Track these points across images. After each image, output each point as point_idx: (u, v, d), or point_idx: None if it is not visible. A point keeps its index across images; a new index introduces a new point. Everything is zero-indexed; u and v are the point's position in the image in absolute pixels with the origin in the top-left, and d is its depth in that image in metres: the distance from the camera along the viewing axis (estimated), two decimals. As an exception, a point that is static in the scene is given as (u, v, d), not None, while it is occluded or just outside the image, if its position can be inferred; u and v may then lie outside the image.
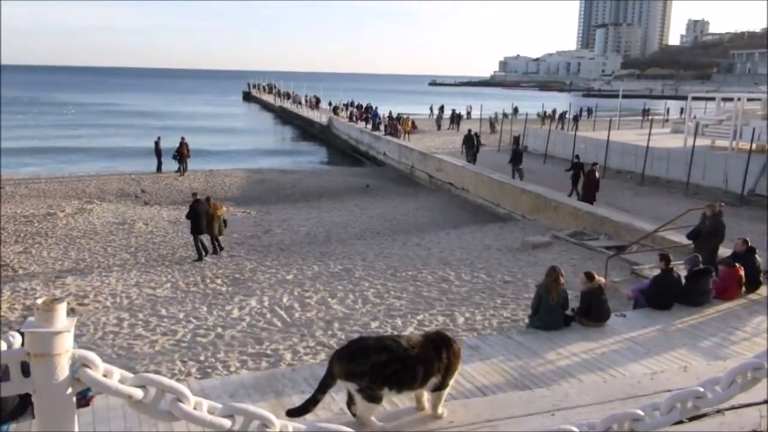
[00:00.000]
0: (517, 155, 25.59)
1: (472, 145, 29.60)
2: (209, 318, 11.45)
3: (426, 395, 2.99)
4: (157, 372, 8.74)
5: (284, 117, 68.89)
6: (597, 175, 20.62)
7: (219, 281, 14.03)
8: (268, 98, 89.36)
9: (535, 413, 2.55)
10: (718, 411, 2.18)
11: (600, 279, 9.62)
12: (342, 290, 13.01)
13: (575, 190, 21.71)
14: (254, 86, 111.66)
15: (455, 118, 49.91)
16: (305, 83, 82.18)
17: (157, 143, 31.00)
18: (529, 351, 8.01)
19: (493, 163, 27.66)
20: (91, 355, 2.18)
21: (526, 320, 9.72)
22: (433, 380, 2.77)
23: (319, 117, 55.15)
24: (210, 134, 49.46)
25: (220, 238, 16.81)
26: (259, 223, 20.95)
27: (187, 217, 16.42)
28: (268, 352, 9.79)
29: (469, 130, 31.91)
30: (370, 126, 41.71)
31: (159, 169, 30.76)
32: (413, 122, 43.78)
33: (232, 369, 9.11)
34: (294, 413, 3.03)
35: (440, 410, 2.93)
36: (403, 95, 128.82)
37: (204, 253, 16.14)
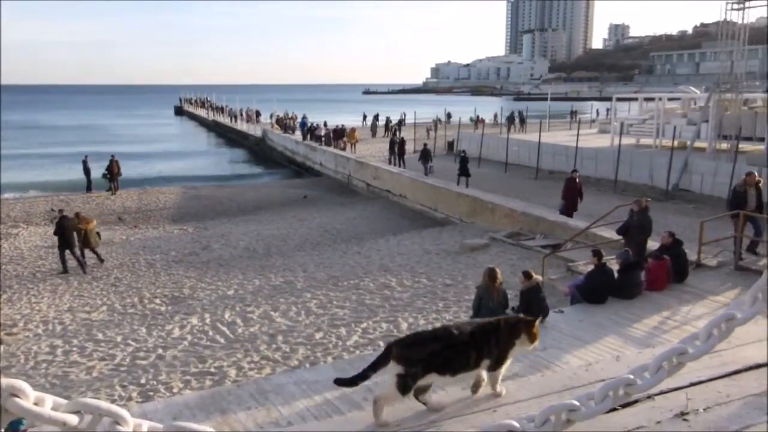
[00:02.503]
0: (425, 154, 27.15)
1: (394, 149, 30.77)
2: (149, 339, 11.15)
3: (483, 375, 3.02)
4: (96, 399, 8.47)
5: (218, 131, 68.04)
6: (578, 182, 18.50)
7: (158, 301, 13.69)
8: (201, 112, 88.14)
9: (478, 411, 2.60)
10: (649, 396, 2.28)
11: (537, 277, 9.85)
12: (284, 303, 12.90)
13: (465, 179, 23.49)
14: (186, 100, 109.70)
15: (390, 126, 50.25)
16: (238, 96, 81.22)
17: (84, 162, 30.06)
18: (473, 352, 8.11)
19: (421, 166, 28.09)
20: (20, 383, 2.09)
21: (468, 322, 9.86)
22: (486, 361, 2.87)
23: (254, 130, 54.56)
24: (143, 159, 47.25)
25: (98, 250, 17.58)
26: (197, 239, 20.55)
27: (55, 233, 16.95)
28: (212, 370, 9.61)
29: (393, 136, 32.98)
30: (308, 137, 41.42)
31: (89, 188, 29.83)
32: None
33: (175, 390, 8.89)
34: (342, 383, 3.11)
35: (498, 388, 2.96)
36: (338, 104, 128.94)
37: (81, 267, 16.60)
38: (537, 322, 3.14)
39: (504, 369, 2.96)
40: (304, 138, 41.11)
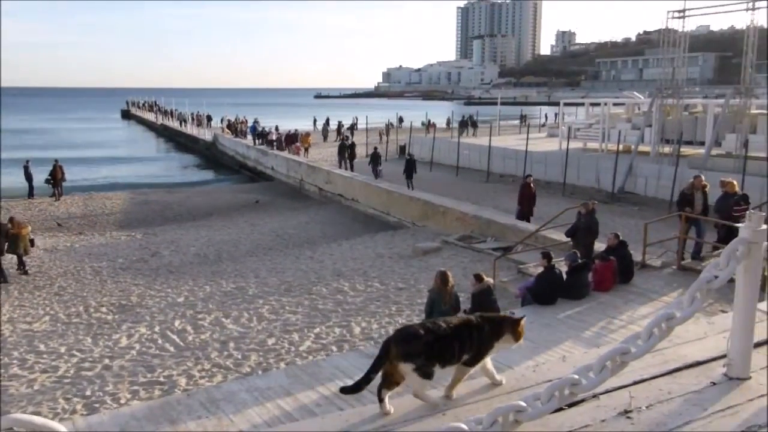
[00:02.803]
0: (375, 158, 27.28)
1: (344, 153, 30.71)
2: (95, 349, 10.84)
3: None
4: (37, 413, 8.18)
5: (167, 135, 66.91)
6: (533, 187, 18.26)
7: (104, 309, 13.34)
8: (149, 116, 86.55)
9: (427, 415, 2.62)
10: (594, 395, 2.33)
11: (488, 280, 9.98)
12: (236, 309, 12.74)
13: (410, 184, 24.27)
14: (133, 104, 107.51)
15: (342, 130, 50.20)
16: (188, 99, 79.93)
17: (26, 167, 29.09)
18: (425, 355, 8.16)
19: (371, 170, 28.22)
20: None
21: (421, 325, 9.90)
22: (466, 356, 2.99)
23: (204, 134, 53.83)
24: (89, 164, 45.57)
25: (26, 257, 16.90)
26: (146, 245, 20.12)
27: None
28: (161, 379, 9.41)
29: (343, 140, 33.66)
30: (258, 141, 40.97)
31: (30, 194, 28.87)
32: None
33: (123, 401, 8.66)
34: (347, 390, 3.15)
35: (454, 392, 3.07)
36: (290, 108, 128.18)
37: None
38: (523, 321, 3.23)
39: (473, 370, 3.05)
40: (255, 142, 40.78)
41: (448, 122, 56.90)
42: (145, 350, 10.68)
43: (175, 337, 11.24)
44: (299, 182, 31.40)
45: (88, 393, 9.00)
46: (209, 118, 60.87)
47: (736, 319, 2.63)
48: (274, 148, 37.50)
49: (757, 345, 2.80)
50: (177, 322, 12.03)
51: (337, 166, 30.67)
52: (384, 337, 10.71)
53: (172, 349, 10.69)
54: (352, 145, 31.72)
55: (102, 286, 15.35)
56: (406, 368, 2.85)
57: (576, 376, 2.15)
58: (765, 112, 23.78)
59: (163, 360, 10.18)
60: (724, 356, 2.67)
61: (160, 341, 11.08)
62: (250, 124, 47.15)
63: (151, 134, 74.52)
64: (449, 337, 2.96)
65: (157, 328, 11.75)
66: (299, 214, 25.18)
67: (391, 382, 3.07)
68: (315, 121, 59.45)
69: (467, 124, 48.92)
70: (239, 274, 15.91)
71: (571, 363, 2.90)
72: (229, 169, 42.94)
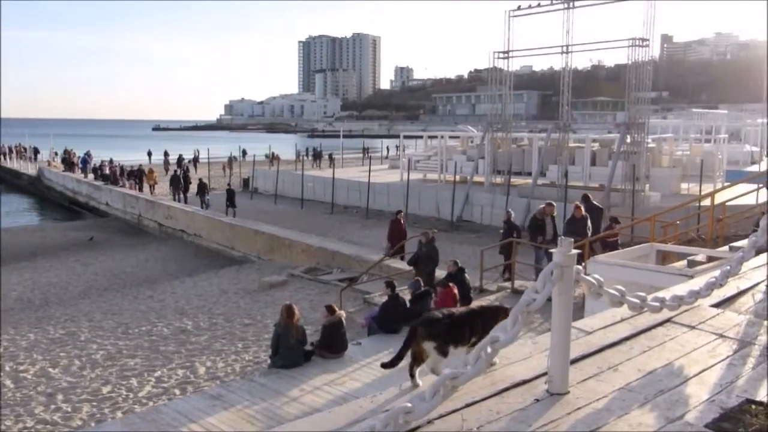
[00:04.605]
0: (201, 188, 27.69)
1: (178, 185, 30.29)
2: None
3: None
4: None
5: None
6: (403, 223, 17.38)
7: None
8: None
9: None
10: (429, 421, 2.41)
11: (341, 312, 10.08)
12: (66, 357, 11.78)
13: (229, 211, 25.33)
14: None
15: (183, 164, 48.44)
16: (9, 130, 73.49)
17: None
18: (273, 391, 8.05)
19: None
20: None
21: (268, 361, 9.75)
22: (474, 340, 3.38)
23: (27, 168, 49.69)
24: None
25: None
26: (-45, 293, 18.06)
27: None
28: (-26, 442, 8.44)
29: (175, 171, 33.80)
30: (95, 175, 38.31)
31: None
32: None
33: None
34: (387, 365, 3.69)
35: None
36: (126, 140, 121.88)
37: None
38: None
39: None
40: (86, 176, 38.34)
41: (299, 154, 56.48)
42: (-45, 411, 9.54)
43: (-9, 393, 10.15)
44: (137, 218, 29.87)
45: None
46: (36, 151, 56.17)
47: (554, 338, 2.85)
48: (109, 182, 35.37)
49: (574, 361, 3.05)
50: (-6, 377, 10.89)
51: (171, 199, 29.78)
52: (230, 375, 10.48)
53: (-12, 407, 9.64)
54: (186, 177, 30.95)
55: None
56: (428, 346, 3.25)
57: (409, 404, 2.22)
58: (582, 145, 26.20)
59: (-23, 421, 9.14)
60: (546, 374, 2.88)
61: (-27, 400, 9.95)
62: (80, 156, 44.21)
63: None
64: (463, 323, 3.41)
65: (-31, 385, 10.55)
66: (138, 252, 23.91)
67: (418, 359, 3.40)
68: (150, 154, 56.58)
69: (321, 155, 49.42)
70: (70, 318, 14.76)
71: (407, 391, 3.00)
72: (58, 206, 39.88)
